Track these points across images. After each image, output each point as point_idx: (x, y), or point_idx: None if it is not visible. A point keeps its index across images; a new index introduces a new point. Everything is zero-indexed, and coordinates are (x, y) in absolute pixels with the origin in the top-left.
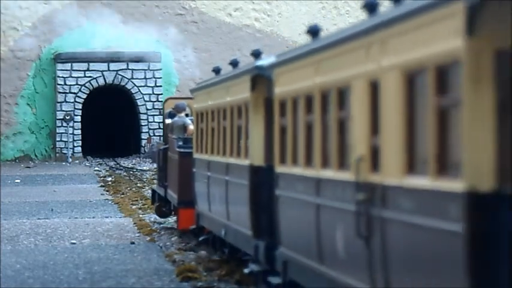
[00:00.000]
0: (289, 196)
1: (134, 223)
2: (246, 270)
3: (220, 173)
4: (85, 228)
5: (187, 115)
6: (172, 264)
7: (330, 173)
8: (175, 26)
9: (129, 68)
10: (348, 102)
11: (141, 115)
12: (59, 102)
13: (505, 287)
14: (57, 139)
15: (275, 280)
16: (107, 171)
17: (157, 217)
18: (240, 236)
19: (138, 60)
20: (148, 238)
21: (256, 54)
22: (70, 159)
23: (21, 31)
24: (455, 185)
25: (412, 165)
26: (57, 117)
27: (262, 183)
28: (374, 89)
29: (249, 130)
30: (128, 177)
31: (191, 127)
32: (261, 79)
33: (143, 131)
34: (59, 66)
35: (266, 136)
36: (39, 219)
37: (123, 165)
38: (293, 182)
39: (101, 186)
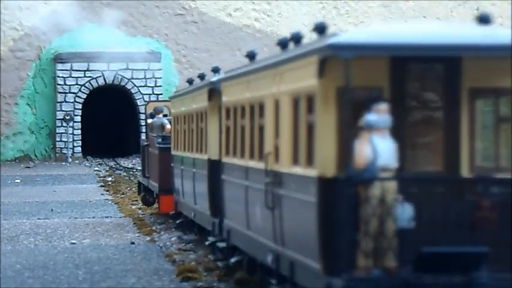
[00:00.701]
0: (229, 180)
1: (134, 223)
2: (206, 242)
3: (189, 167)
4: (85, 229)
5: (165, 115)
6: (172, 264)
7: (253, 163)
8: (175, 26)
9: (129, 68)
10: (264, 114)
11: (141, 115)
12: (58, 102)
13: (340, 232)
14: (57, 139)
15: (221, 244)
16: (106, 171)
17: (144, 204)
18: (203, 216)
19: (138, 60)
20: (148, 238)
21: (215, 70)
22: (70, 159)
23: (21, 31)
24: (313, 172)
25: (295, 159)
26: (57, 117)
27: (217, 173)
28: (276, 106)
29: (208, 131)
30: (127, 177)
31: (168, 126)
32: (216, 91)
33: (143, 131)
34: (59, 66)
35: (220, 136)
36: (39, 219)
37: (123, 165)
38: (232, 169)
39: (101, 186)
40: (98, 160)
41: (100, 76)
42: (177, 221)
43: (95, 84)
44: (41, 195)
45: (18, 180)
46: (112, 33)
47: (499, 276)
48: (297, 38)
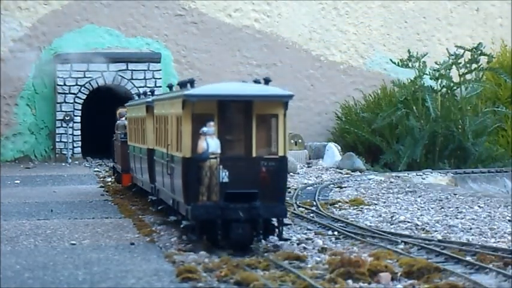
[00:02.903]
0: (156, 160)
1: (134, 224)
2: (148, 200)
3: (138, 153)
4: (85, 229)
5: (126, 118)
6: (172, 264)
7: (164, 150)
8: (175, 26)
9: (129, 68)
10: (168, 123)
11: None
12: (58, 103)
13: (191, 184)
14: (57, 140)
15: (153, 198)
16: (106, 171)
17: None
18: (146, 184)
19: (137, 60)
20: (148, 239)
21: (152, 92)
22: (70, 160)
23: (21, 32)
24: (181, 154)
25: (177, 148)
26: (57, 118)
27: (152, 156)
28: (171, 120)
29: (147, 131)
30: None
31: None
32: (151, 106)
33: None
34: (59, 66)
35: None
36: (39, 219)
37: None
38: (158, 153)
39: (101, 187)
40: (97, 161)
41: (100, 77)
42: (133, 189)
43: (95, 85)
44: (40, 196)
45: (18, 181)
46: (112, 33)
47: (266, 204)
48: (191, 81)
